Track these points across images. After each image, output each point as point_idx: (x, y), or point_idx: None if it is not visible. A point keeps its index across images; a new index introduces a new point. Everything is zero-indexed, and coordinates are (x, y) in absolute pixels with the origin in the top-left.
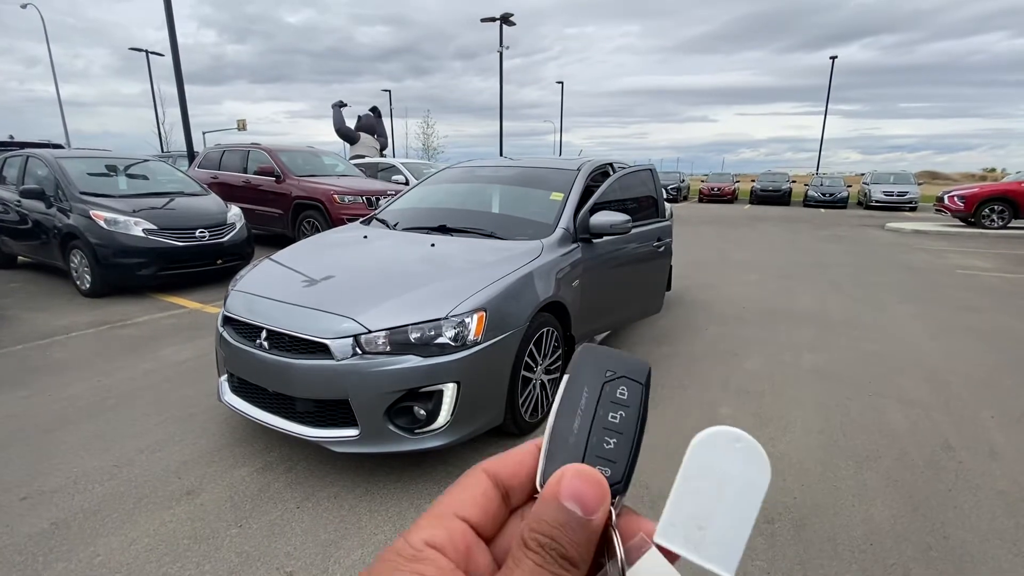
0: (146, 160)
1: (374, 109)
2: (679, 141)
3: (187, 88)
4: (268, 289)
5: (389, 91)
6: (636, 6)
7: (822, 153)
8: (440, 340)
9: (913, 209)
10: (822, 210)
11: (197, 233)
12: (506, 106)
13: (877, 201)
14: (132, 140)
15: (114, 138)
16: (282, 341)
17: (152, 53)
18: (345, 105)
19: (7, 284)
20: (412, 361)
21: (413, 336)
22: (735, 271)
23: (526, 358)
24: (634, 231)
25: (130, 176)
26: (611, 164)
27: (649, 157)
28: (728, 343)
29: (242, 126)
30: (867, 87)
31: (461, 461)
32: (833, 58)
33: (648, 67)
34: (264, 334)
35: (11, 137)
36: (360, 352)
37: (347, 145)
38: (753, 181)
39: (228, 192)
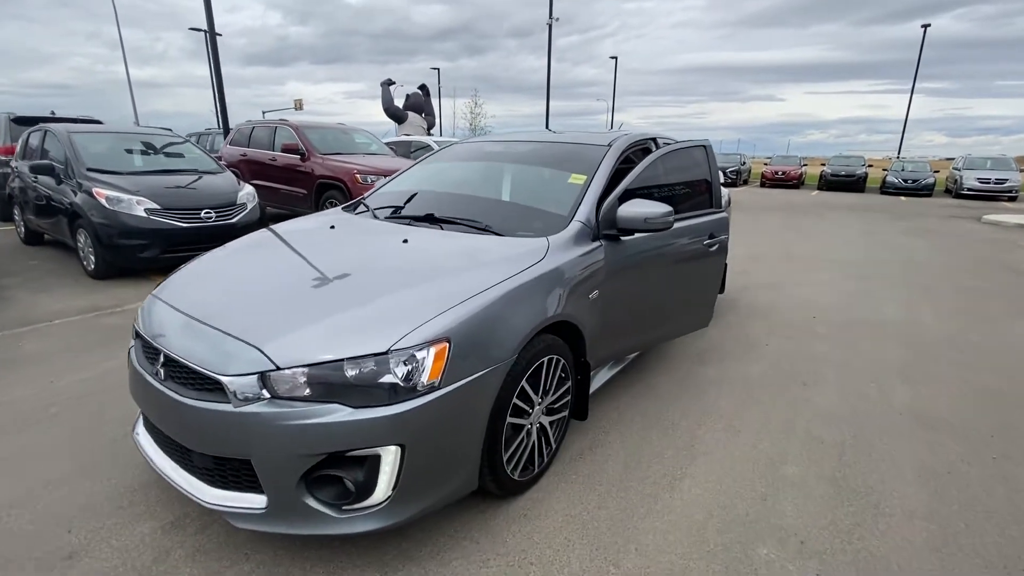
0: (165, 136)
1: (423, 87)
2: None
3: (253, 69)
4: (184, 297)
5: (438, 69)
6: None
7: (904, 135)
8: (382, 381)
9: (1013, 199)
10: (903, 198)
11: (203, 214)
12: (560, 85)
13: (970, 189)
14: (202, 119)
15: (187, 117)
16: (179, 372)
17: (212, 33)
18: (393, 83)
19: (28, 261)
20: (336, 413)
21: (344, 374)
22: (802, 268)
23: (515, 399)
24: (678, 226)
25: (144, 153)
26: (653, 139)
27: (708, 137)
28: (793, 365)
29: (298, 105)
30: (957, 63)
31: (433, 528)
32: (925, 26)
33: (711, 43)
34: (162, 359)
35: (52, 113)
36: (269, 395)
37: (397, 124)
38: (823, 165)
39: (255, 170)
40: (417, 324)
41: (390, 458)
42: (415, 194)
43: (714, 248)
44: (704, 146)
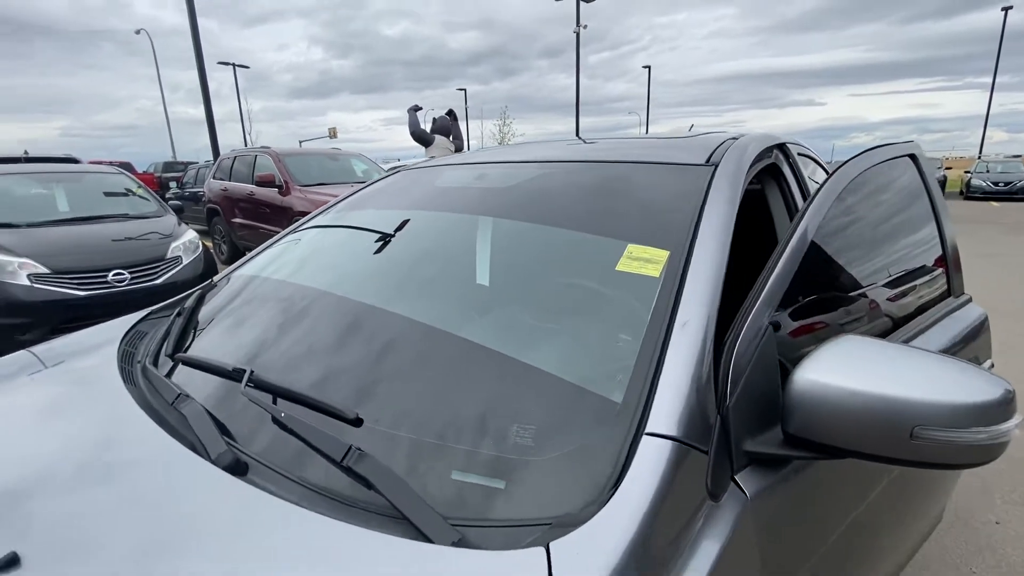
0: (94, 174)
1: (451, 112)
2: (781, 128)
3: (298, 102)
4: None
5: (464, 91)
6: None
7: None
8: None
9: None
10: (995, 204)
11: (110, 276)
12: (591, 101)
13: None
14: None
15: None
16: None
17: (238, 66)
18: (420, 109)
19: None
20: None
21: None
22: None
23: None
24: None
25: (70, 195)
26: (781, 145)
27: None
28: None
29: (333, 134)
30: (1017, 55)
31: None
32: (1006, 9)
33: (745, 50)
34: None
35: (25, 152)
36: None
37: (424, 148)
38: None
39: (235, 207)
40: None
41: None
42: (238, 328)
43: None
44: (912, 156)
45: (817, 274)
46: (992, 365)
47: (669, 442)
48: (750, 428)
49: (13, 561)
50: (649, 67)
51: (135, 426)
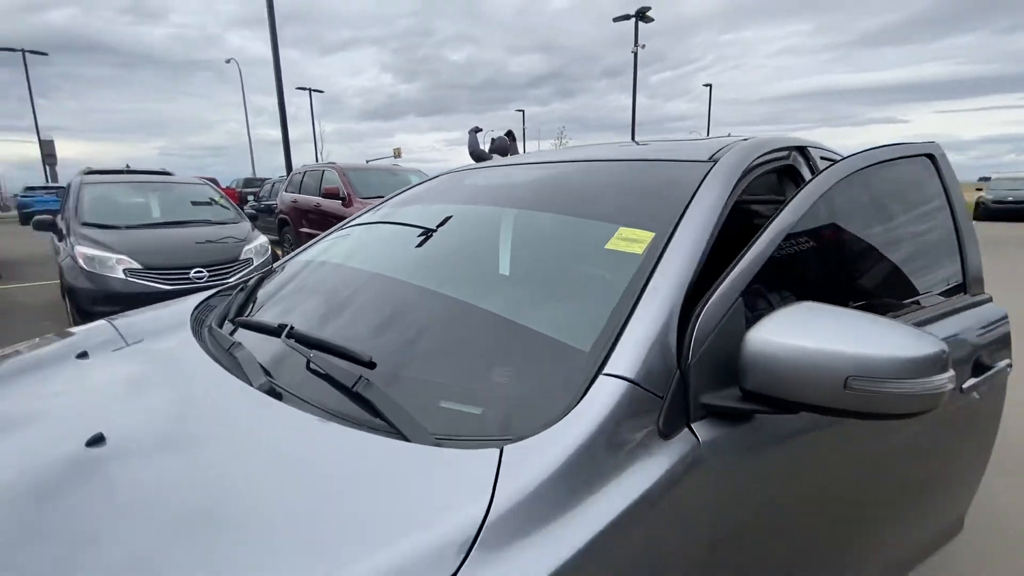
0: (186, 184)
1: (509, 133)
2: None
3: (367, 124)
4: None
5: (523, 111)
6: (806, 1)
7: None
8: None
9: None
10: None
11: (192, 274)
12: (650, 120)
13: None
14: None
15: None
16: None
17: (313, 91)
18: (480, 130)
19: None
20: None
21: None
22: None
23: None
24: None
25: (162, 202)
26: (800, 148)
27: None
28: None
29: (397, 154)
30: None
31: None
32: None
33: (818, 67)
34: None
35: (127, 166)
36: None
37: None
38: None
39: (304, 217)
40: None
41: None
42: (306, 282)
43: (980, 392)
44: (930, 156)
45: (807, 260)
46: (1010, 366)
47: (624, 383)
48: (711, 385)
49: (99, 439)
50: (710, 85)
51: (202, 366)
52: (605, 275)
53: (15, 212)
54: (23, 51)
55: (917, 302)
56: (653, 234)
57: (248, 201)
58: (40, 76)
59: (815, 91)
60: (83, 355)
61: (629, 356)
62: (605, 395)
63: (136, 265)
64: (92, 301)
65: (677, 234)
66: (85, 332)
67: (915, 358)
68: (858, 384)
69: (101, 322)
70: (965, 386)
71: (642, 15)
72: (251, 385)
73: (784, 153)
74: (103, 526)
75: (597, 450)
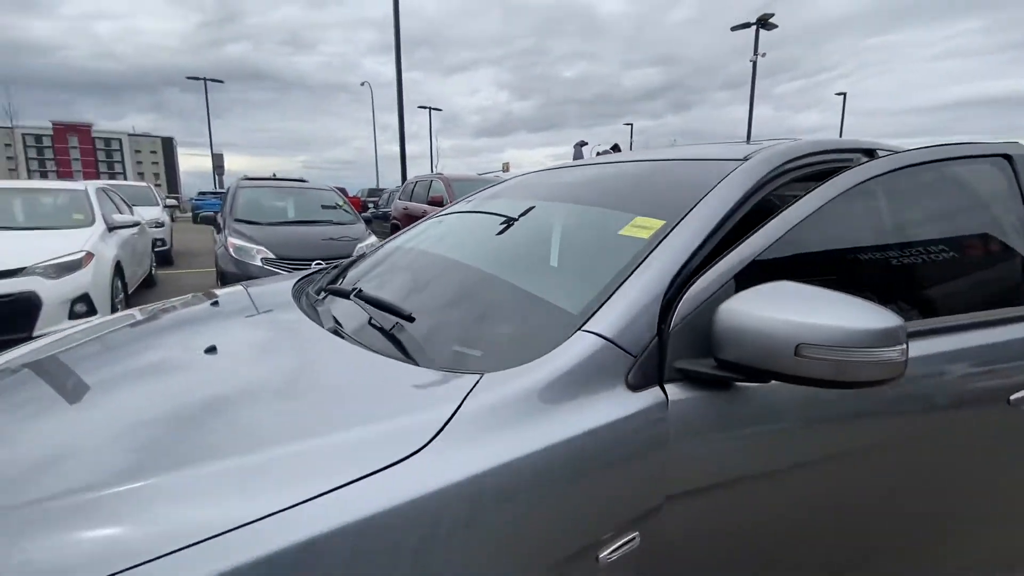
0: (318, 191)
1: (615, 147)
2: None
3: (481, 140)
4: None
5: (631, 125)
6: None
7: None
8: None
9: None
10: None
11: (312, 265)
12: (778, 132)
13: None
14: None
15: None
16: None
17: (432, 109)
18: (586, 144)
19: None
20: None
21: None
22: None
23: None
24: (923, 360)
25: (296, 204)
26: (870, 150)
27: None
28: None
29: (506, 168)
30: None
31: None
32: None
33: (992, 70)
34: None
35: (273, 175)
36: None
37: None
38: None
39: (409, 223)
40: None
41: None
42: (387, 259)
43: None
44: (1007, 157)
45: (843, 256)
46: None
47: (598, 338)
48: (689, 353)
49: (213, 349)
50: (844, 94)
51: (292, 314)
52: (613, 257)
53: (190, 213)
54: (204, 79)
55: (972, 306)
56: (664, 222)
57: (369, 208)
58: (217, 100)
59: (988, 98)
60: (215, 303)
61: (608, 318)
62: (579, 346)
63: (271, 255)
64: (237, 283)
65: (683, 222)
66: (220, 291)
67: (864, 330)
68: (808, 352)
69: (235, 287)
70: (1013, 398)
71: (764, 22)
72: (322, 327)
73: (848, 156)
74: (206, 393)
75: (560, 386)
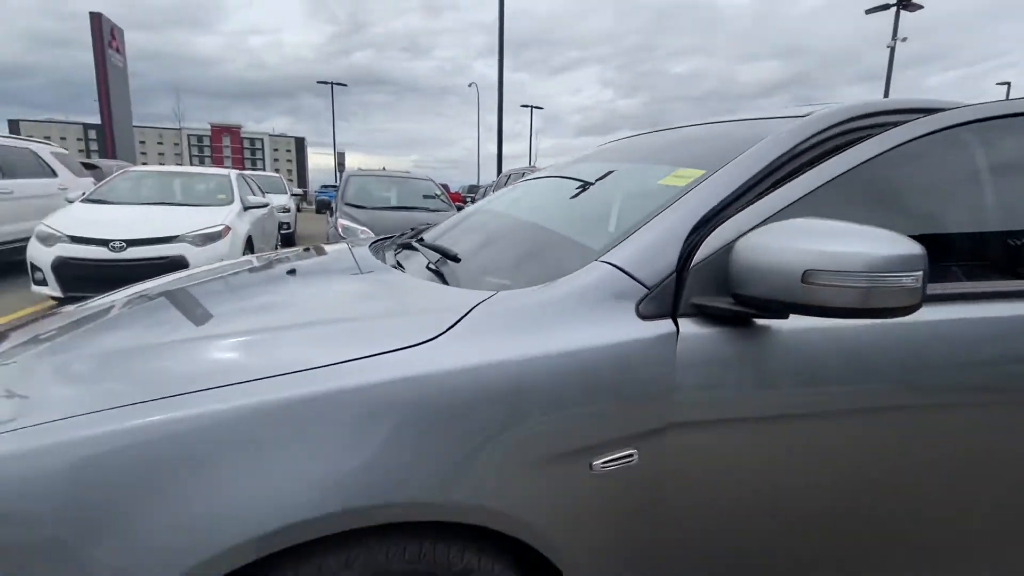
0: (419, 182)
1: None
2: None
3: (581, 139)
4: None
5: None
6: None
7: None
8: None
9: None
10: None
11: None
12: None
13: None
14: None
15: None
16: None
17: (534, 108)
18: None
19: None
20: None
21: None
22: None
23: None
24: (969, 308)
25: (399, 193)
26: (926, 110)
27: None
28: None
29: None
30: None
31: None
32: None
33: None
34: None
35: (383, 168)
36: None
37: None
38: None
39: None
40: None
41: None
42: (473, 214)
43: None
44: None
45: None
46: None
47: (612, 268)
48: (706, 291)
49: (293, 271)
50: (1008, 84)
51: (365, 253)
52: (648, 203)
53: (314, 205)
54: (331, 83)
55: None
56: (703, 171)
57: (467, 201)
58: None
59: None
60: (308, 250)
61: (625, 252)
62: (592, 274)
63: (372, 235)
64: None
65: (720, 171)
66: (319, 247)
67: (873, 255)
68: (816, 278)
69: (336, 245)
70: None
71: (906, 3)
72: (385, 263)
73: (915, 116)
74: (283, 297)
75: (566, 306)
